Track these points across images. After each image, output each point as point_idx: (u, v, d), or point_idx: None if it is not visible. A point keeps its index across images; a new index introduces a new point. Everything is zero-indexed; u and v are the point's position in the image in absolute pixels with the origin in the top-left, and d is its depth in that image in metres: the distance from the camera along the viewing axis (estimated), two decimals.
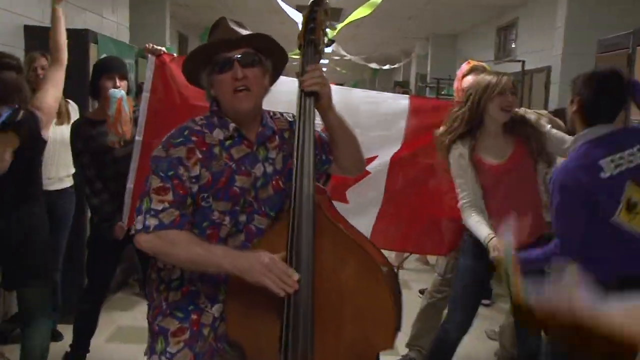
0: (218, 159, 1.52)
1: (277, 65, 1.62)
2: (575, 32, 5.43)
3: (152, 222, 1.45)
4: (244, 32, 1.56)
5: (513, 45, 7.74)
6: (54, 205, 3.10)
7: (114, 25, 5.38)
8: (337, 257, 1.46)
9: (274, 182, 1.58)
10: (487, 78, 2.46)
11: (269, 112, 1.66)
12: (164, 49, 2.78)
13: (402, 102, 2.98)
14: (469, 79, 2.96)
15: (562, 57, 5.55)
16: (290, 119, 1.69)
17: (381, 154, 2.88)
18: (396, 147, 2.90)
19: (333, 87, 1.59)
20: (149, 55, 2.73)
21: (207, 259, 1.45)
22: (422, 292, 4.48)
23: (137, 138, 2.70)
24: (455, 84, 3.20)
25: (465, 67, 3.12)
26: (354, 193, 2.91)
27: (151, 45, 2.75)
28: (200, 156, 1.50)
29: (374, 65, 8.69)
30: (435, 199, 2.89)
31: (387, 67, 10.43)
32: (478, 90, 2.42)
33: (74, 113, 3.40)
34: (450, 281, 2.99)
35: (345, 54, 6.34)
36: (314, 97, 1.49)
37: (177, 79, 2.68)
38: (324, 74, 1.51)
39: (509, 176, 2.43)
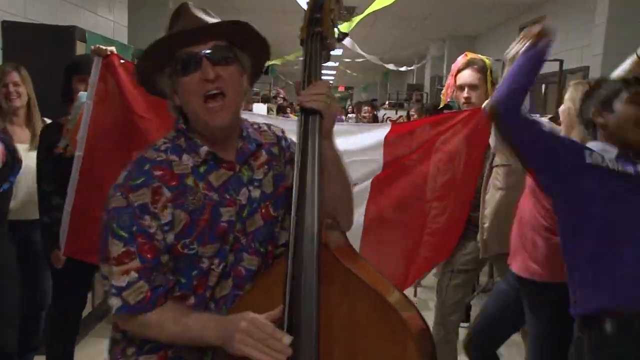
0: (194, 192, 1.22)
1: (257, 62, 1.32)
2: (619, 29, 4.92)
3: (115, 302, 1.18)
4: (213, 20, 1.24)
5: None
6: (27, 238, 2.73)
7: (110, 24, 5.22)
8: (351, 312, 1.14)
9: (262, 210, 1.30)
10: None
11: (250, 122, 1.38)
12: (112, 49, 2.36)
13: (380, 129, 2.67)
14: (467, 74, 2.48)
15: (602, 57, 5.04)
16: (279, 134, 1.41)
17: (360, 180, 2.54)
18: (376, 171, 2.57)
19: None
20: (95, 57, 2.34)
21: (185, 335, 1.19)
22: None
23: (77, 153, 2.35)
24: (448, 80, 2.71)
25: (461, 60, 2.62)
26: None
27: (97, 45, 2.35)
28: (169, 195, 1.20)
29: (391, 66, 8.24)
30: (416, 214, 2.58)
31: (404, 68, 10.04)
32: None
33: None
34: (454, 307, 2.58)
35: (360, 52, 5.88)
36: (318, 114, 1.21)
37: (125, 86, 2.35)
38: (330, 88, 1.24)
39: None
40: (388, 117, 8.06)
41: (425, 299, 4.54)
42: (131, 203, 1.17)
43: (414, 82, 13.89)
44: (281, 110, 11.50)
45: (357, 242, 2.50)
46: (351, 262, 1.19)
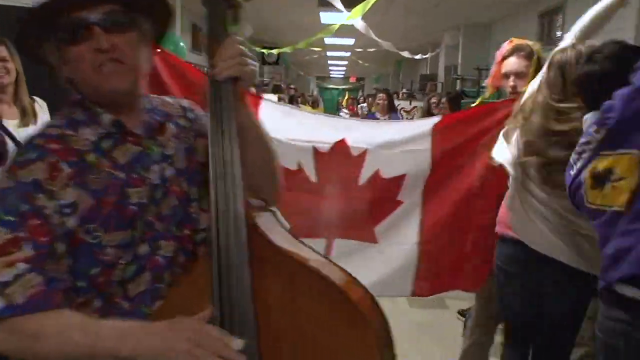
0: (97, 170, 1.05)
1: (159, 28, 1.16)
2: None
3: None
4: None
5: (559, 33, 6.97)
6: None
7: None
8: (293, 301, 1.00)
9: (176, 188, 1.14)
10: None
11: (154, 97, 1.24)
12: None
13: (428, 120, 2.54)
14: (512, 61, 2.33)
15: (634, 40, 4.78)
16: (184, 105, 1.27)
17: (410, 172, 2.38)
18: (426, 166, 2.37)
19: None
20: None
21: (94, 349, 0.93)
22: (462, 313, 3.91)
23: None
24: (492, 69, 2.54)
25: (506, 46, 2.44)
26: (384, 229, 2.39)
27: None
28: (69, 171, 1.01)
29: (405, 54, 8.05)
30: (472, 222, 2.39)
31: (418, 56, 9.85)
32: None
33: (43, 113, 2.75)
34: (495, 310, 2.39)
35: (375, 37, 5.70)
36: (231, 80, 1.09)
37: (166, 80, 2.22)
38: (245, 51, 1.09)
39: None
40: (402, 108, 7.89)
41: (442, 296, 4.30)
42: (20, 180, 0.99)
43: (428, 72, 13.67)
44: (293, 101, 11.39)
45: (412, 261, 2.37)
46: (287, 244, 1.05)
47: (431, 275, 2.42)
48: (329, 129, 2.46)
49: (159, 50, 2.22)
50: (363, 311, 0.96)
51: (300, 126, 2.43)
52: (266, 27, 11.54)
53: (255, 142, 1.18)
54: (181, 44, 5.75)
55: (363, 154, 2.37)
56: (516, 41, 2.44)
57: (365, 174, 2.37)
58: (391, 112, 7.02)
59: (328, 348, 0.97)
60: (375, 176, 2.38)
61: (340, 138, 2.37)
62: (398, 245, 2.40)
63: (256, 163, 1.17)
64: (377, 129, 2.54)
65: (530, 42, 2.42)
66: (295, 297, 1.00)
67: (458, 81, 9.04)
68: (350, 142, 2.37)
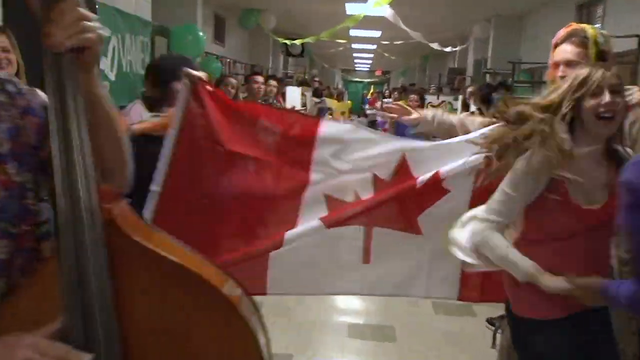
0: None
1: None
2: None
3: None
4: None
5: (599, 25, 6.59)
6: None
7: None
8: (162, 301, 0.94)
9: (1, 176, 0.96)
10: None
11: None
12: (203, 75, 2.13)
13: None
14: (562, 48, 2.09)
15: None
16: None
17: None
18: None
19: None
20: (184, 81, 2.10)
21: None
22: (491, 322, 3.67)
23: (153, 188, 2.06)
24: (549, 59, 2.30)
25: (561, 32, 2.19)
26: (428, 220, 2.15)
27: (187, 70, 2.12)
28: None
29: (435, 46, 7.77)
30: None
31: (448, 49, 9.55)
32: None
33: None
34: None
35: (404, 26, 5.46)
36: (75, 51, 0.92)
37: (213, 116, 2.12)
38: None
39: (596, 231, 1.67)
40: (429, 102, 7.61)
41: (469, 303, 3.95)
42: None
43: (456, 66, 13.31)
44: (317, 94, 11.18)
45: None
46: (148, 238, 0.95)
47: (479, 280, 2.19)
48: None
49: (210, 89, 2.15)
50: (229, 299, 0.94)
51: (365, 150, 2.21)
52: (290, 18, 11.34)
53: (106, 121, 1.03)
54: (200, 33, 5.56)
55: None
56: (574, 26, 2.18)
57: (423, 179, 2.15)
58: None
59: (200, 342, 0.94)
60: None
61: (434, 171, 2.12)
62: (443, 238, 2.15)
63: (106, 145, 1.03)
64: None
65: (588, 26, 2.16)
66: (162, 292, 0.94)
67: (488, 75, 8.71)
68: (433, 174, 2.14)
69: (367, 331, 3.75)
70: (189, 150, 2.12)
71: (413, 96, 6.66)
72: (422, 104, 6.85)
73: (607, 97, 1.62)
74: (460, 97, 5.64)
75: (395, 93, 15.30)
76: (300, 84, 11.00)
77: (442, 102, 7.43)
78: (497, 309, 3.33)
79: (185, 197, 2.15)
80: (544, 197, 1.66)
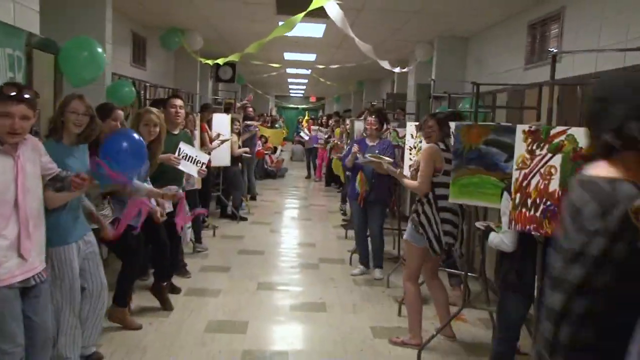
0: None
1: None
2: None
3: None
4: None
5: (553, 47, 6.01)
6: None
7: (9, 6, 3.68)
8: None
9: None
10: None
11: None
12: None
13: None
14: None
15: None
16: None
17: None
18: None
19: None
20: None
21: None
22: None
23: None
24: None
25: None
26: None
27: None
28: None
29: (385, 65, 6.99)
30: None
31: (397, 69, 8.82)
32: None
33: None
34: None
35: (352, 34, 4.65)
36: None
37: None
38: None
39: None
40: (389, 128, 6.83)
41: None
42: None
43: (394, 92, 12.73)
44: (247, 119, 10.21)
45: None
46: None
47: None
48: None
49: None
50: None
51: None
52: (218, 38, 10.38)
53: None
54: (99, 49, 4.45)
55: None
56: None
57: None
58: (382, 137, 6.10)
59: None
60: None
61: None
62: None
63: None
64: None
65: None
66: None
67: (432, 100, 8.05)
68: None
69: None
70: None
71: (371, 119, 5.93)
72: (380, 127, 6.08)
73: None
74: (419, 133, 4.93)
75: (332, 121, 14.60)
76: (227, 110, 10.02)
77: (387, 129, 6.65)
78: None
79: None
80: None
